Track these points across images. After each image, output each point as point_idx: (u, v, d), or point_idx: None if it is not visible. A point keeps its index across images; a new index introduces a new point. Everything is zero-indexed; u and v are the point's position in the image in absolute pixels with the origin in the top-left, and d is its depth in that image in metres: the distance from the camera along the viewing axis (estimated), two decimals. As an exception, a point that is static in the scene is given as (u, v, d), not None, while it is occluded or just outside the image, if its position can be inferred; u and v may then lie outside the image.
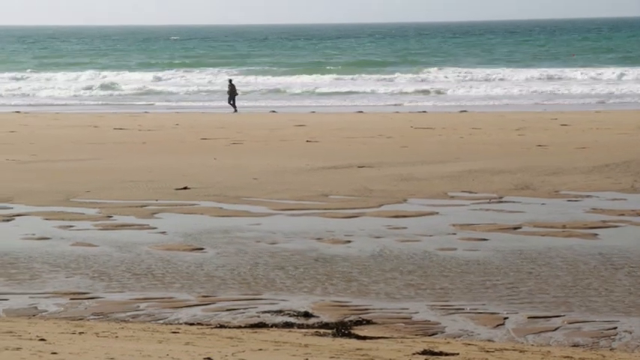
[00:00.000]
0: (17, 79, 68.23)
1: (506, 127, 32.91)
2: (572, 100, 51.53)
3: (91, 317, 10.87)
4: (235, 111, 45.57)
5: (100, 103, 54.41)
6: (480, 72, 67.13)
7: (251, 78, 67.49)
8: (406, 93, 56.58)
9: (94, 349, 8.33)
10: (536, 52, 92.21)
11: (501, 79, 63.19)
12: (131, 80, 67.59)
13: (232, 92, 46.77)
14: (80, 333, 9.41)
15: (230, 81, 48.79)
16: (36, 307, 11.29)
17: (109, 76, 69.97)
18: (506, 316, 10.87)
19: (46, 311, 11.14)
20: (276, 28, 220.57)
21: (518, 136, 30.13)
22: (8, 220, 16.69)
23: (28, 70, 74.99)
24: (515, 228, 15.84)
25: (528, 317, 10.81)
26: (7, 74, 71.75)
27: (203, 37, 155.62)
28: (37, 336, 8.94)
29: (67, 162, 24.24)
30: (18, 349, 8.06)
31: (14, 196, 18.86)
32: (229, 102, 46.55)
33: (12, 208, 17.82)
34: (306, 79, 66.63)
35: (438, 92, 56.88)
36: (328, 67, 74.86)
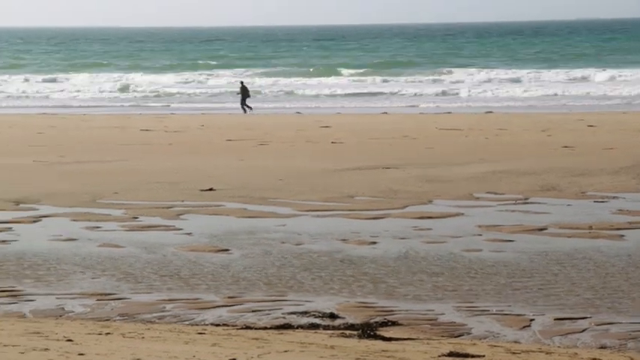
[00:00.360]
0: (47, 81, 68.50)
1: (532, 128, 32.80)
2: (599, 101, 51.29)
3: (118, 318, 10.92)
4: (245, 112, 45.70)
5: (127, 104, 54.53)
6: (506, 72, 66.97)
7: (275, 79, 67.58)
8: (431, 94, 56.49)
9: (121, 349, 8.36)
10: (564, 52, 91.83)
11: (528, 80, 62.98)
12: (157, 82, 67.82)
13: (244, 94, 46.94)
14: (107, 334, 9.44)
15: (242, 83, 49.04)
16: (63, 308, 11.34)
17: (137, 77, 70.23)
18: (532, 317, 10.83)
19: (72, 312, 11.19)
20: (300, 29, 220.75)
21: (545, 137, 30.03)
22: (36, 222, 16.78)
23: (57, 72, 75.44)
24: (541, 229, 15.78)
25: (555, 319, 10.77)
26: (35, 76, 72.07)
27: (224, 38, 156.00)
28: (64, 336, 8.98)
29: (93, 163, 24.35)
30: (46, 349, 8.10)
31: (42, 198, 18.96)
32: (242, 104, 46.63)
33: (39, 209, 17.92)
34: (331, 80, 66.68)
35: (463, 93, 56.74)
36: (353, 69, 74.81)
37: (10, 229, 16.09)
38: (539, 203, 18.23)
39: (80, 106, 53.15)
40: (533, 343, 9.94)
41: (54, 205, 18.22)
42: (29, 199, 18.88)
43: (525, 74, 65.43)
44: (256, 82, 62.67)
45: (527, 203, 18.23)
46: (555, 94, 54.76)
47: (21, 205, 18.24)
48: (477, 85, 60.90)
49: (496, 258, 13.79)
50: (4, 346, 8.21)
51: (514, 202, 18.32)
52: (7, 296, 11.85)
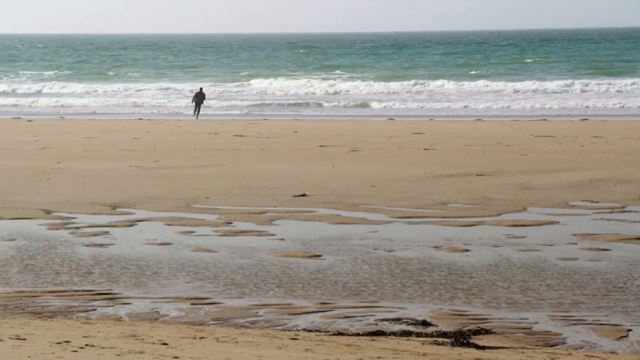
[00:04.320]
0: (163, 90, 68.87)
1: (630, 136, 32.23)
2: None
3: (211, 322, 11.00)
4: (196, 116, 47.88)
5: (243, 112, 54.48)
6: (600, 82, 65.83)
7: (364, 84, 67.61)
8: (522, 101, 55.91)
9: (215, 354, 8.42)
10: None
11: (623, 90, 61.80)
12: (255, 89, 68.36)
13: (200, 100, 48.92)
14: (201, 338, 9.52)
15: (201, 89, 51.20)
16: (158, 312, 11.47)
17: (232, 86, 70.76)
18: (629, 327, 10.63)
19: (167, 316, 11.31)
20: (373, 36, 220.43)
21: (641, 144, 29.49)
22: (131, 226, 17.02)
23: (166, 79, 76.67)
24: (638, 238, 15.50)
25: (653, 330, 10.55)
26: (151, 84, 72.76)
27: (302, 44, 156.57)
28: (159, 340, 9.08)
29: (187, 168, 24.62)
30: (141, 352, 8.20)
31: (137, 202, 19.24)
32: (195, 109, 48.67)
33: (135, 213, 18.17)
34: (420, 86, 66.45)
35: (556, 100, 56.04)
36: (448, 75, 74.46)
37: (107, 232, 16.36)
38: (636, 212, 17.91)
39: (170, 113, 53.76)
40: (630, 354, 9.76)
41: (149, 210, 18.46)
42: (125, 203, 19.17)
43: (624, 83, 64.01)
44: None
45: (624, 212, 17.91)
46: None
47: (117, 209, 18.53)
48: (570, 94, 60.04)
49: (592, 267, 13.58)
50: (102, 348, 8.34)
51: (610, 210, 18.02)
52: (104, 299, 12.04)
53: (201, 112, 48.61)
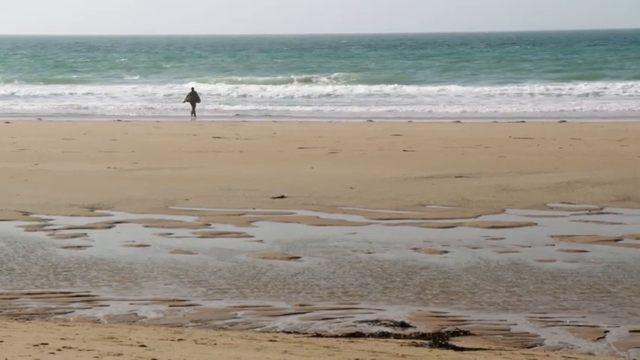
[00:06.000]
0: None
1: (608, 138, 32.38)
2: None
3: (190, 324, 10.99)
4: (193, 119, 47.55)
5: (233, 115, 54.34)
6: (578, 84, 66.07)
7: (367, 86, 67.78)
8: (499, 103, 56.09)
9: (193, 355, 8.41)
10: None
11: (600, 93, 62.09)
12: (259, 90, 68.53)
13: (194, 100, 48.94)
14: (179, 340, 9.51)
15: (192, 89, 51.03)
16: (136, 314, 11.45)
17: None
18: (607, 329, 10.68)
19: (145, 317, 11.29)
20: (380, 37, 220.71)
21: (620, 146, 29.63)
22: (110, 227, 16.98)
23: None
24: (616, 240, 15.57)
25: (630, 331, 10.60)
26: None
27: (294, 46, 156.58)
28: (138, 342, 9.06)
29: (165, 170, 24.57)
30: (119, 354, 8.18)
31: (115, 204, 19.19)
32: (192, 109, 48.67)
33: (113, 215, 18.13)
34: (409, 89, 66.63)
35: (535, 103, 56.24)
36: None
37: (85, 234, 16.31)
38: (614, 214, 17.99)
39: (155, 115, 53.67)
40: (607, 355, 9.80)
41: (127, 211, 18.42)
42: (104, 205, 19.12)
43: (603, 86, 64.28)
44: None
45: (602, 213, 17.99)
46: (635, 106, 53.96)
47: (96, 211, 18.48)
48: (549, 97, 60.23)
49: (570, 268, 13.63)
50: (79, 350, 8.32)
51: (588, 212, 18.10)
52: (82, 301, 12.01)
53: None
